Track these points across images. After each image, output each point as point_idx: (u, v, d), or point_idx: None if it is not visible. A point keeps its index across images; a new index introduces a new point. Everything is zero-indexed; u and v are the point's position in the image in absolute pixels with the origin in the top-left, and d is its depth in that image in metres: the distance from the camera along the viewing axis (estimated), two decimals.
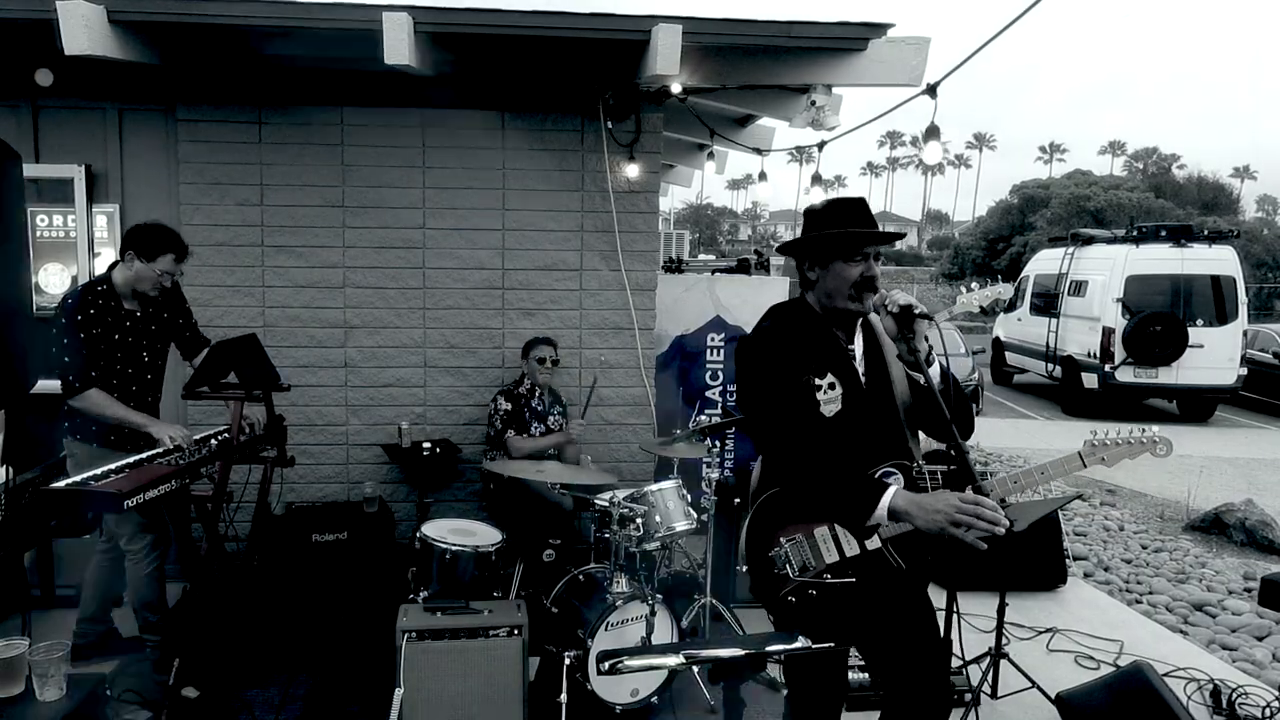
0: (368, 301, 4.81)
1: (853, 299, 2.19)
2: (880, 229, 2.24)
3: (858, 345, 2.29)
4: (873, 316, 2.31)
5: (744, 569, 2.31)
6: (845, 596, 2.18)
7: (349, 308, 4.80)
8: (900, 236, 2.34)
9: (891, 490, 2.05)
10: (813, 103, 4.52)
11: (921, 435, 2.34)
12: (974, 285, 2.52)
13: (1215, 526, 6.98)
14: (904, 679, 2.30)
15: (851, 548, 2.19)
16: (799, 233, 2.36)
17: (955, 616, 3.33)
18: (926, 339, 2.19)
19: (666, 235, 12.95)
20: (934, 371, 2.20)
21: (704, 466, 3.91)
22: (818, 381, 2.17)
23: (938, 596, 2.34)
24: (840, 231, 2.20)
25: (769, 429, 2.20)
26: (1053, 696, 3.45)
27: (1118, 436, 2.32)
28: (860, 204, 2.25)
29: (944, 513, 1.95)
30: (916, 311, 2.15)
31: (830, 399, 2.17)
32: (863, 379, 2.24)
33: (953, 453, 2.10)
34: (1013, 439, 10.41)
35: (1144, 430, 2.31)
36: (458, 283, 4.86)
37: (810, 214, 2.31)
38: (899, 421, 2.24)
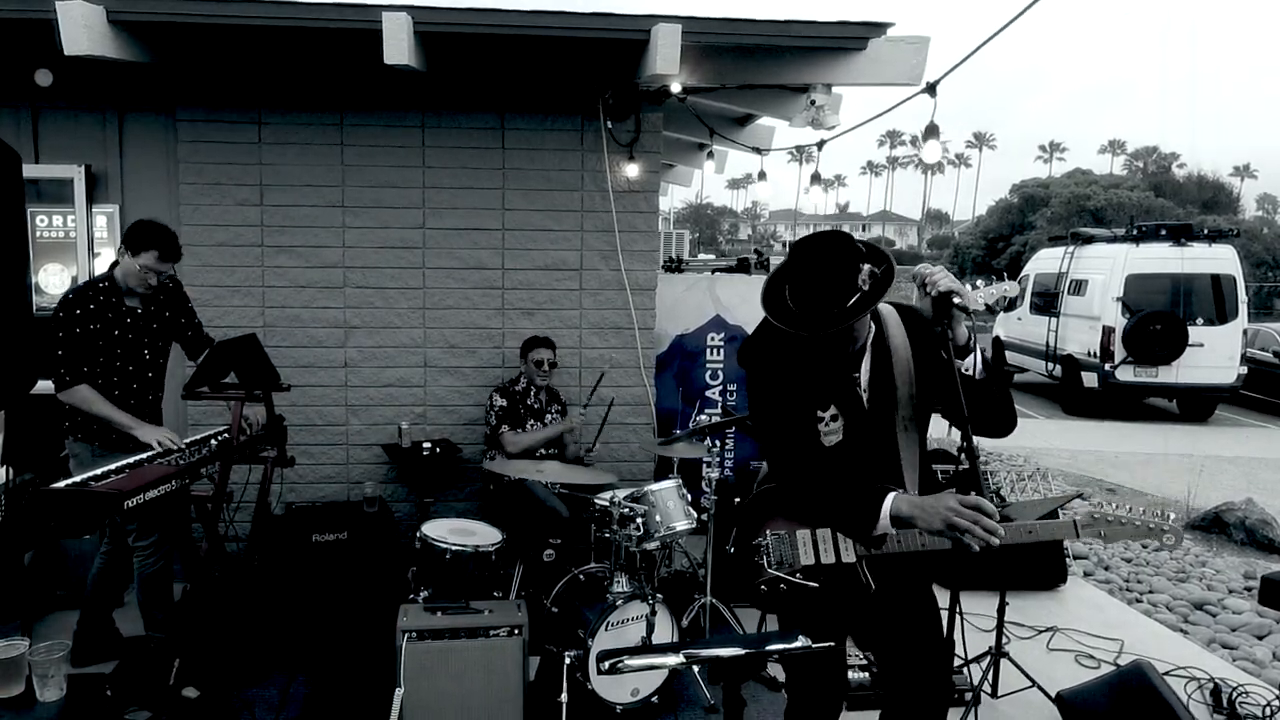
0: (368, 301, 4.81)
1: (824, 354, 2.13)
2: (844, 302, 1.97)
3: (865, 367, 2.20)
4: (885, 309, 2.23)
5: (731, 550, 2.38)
6: (809, 598, 2.22)
7: (349, 308, 4.80)
8: (848, 316, 1.97)
9: (891, 497, 2.04)
10: (812, 102, 4.52)
11: (931, 429, 2.34)
12: (980, 283, 2.51)
13: (1215, 525, 6.97)
14: (898, 676, 2.31)
15: (827, 555, 2.21)
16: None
17: (959, 617, 3.32)
18: (966, 324, 2.11)
19: (666, 235, 12.96)
20: (972, 360, 2.13)
21: (704, 466, 3.91)
22: (820, 414, 2.17)
23: (941, 596, 2.34)
24: (779, 328, 2.06)
25: (772, 444, 2.24)
26: (1053, 695, 3.45)
27: (1125, 515, 2.16)
28: (814, 273, 1.98)
29: (942, 514, 1.95)
30: (956, 302, 2.05)
31: (831, 430, 2.17)
32: (866, 404, 2.19)
33: (963, 455, 2.11)
34: (1013, 438, 10.33)
35: (1157, 514, 2.15)
36: (458, 282, 4.86)
37: (788, 250, 2.14)
38: (895, 446, 2.21)
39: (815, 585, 2.20)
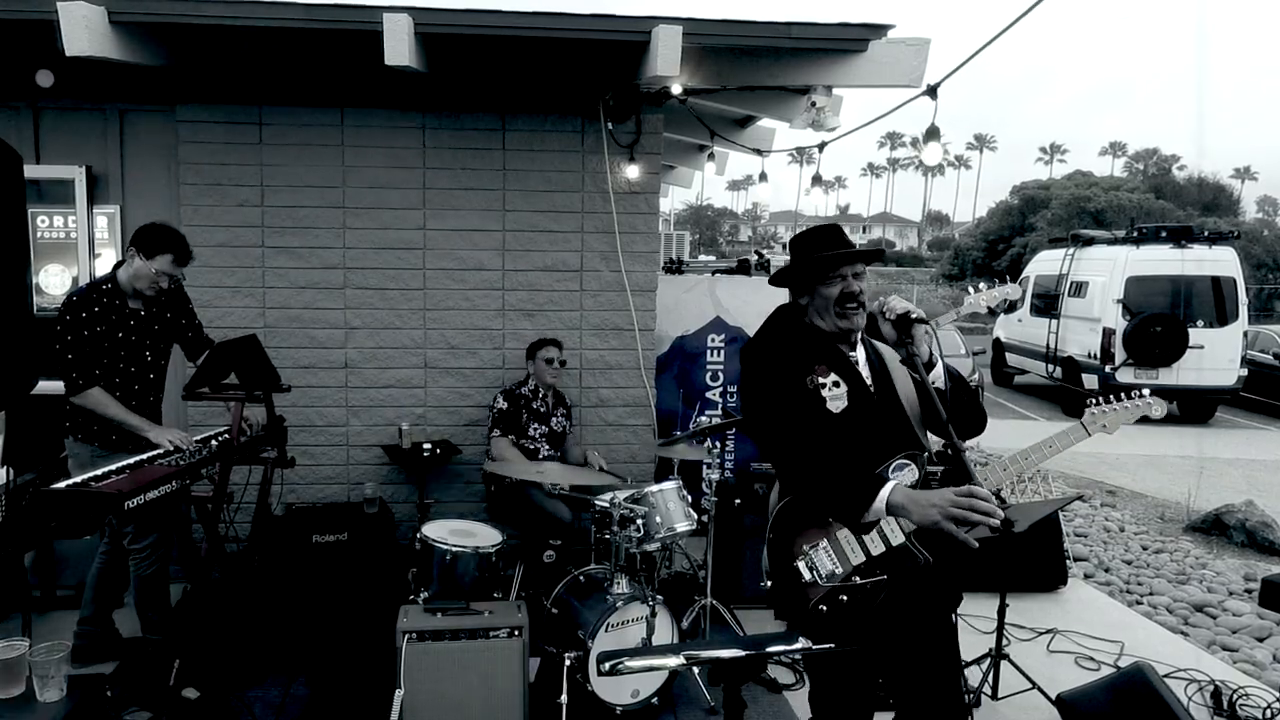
0: (368, 302, 4.81)
1: (840, 316, 2.22)
2: (856, 248, 2.28)
3: (860, 354, 2.31)
4: (873, 341, 2.35)
5: (767, 585, 2.27)
6: (876, 597, 2.17)
7: (349, 308, 4.80)
8: (875, 254, 2.39)
9: (890, 485, 2.06)
10: (813, 104, 4.52)
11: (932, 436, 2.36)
12: (982, 286, 2.54)
13: (1216, 527, 6.97)
14: (918, 694, 2.28)
15: (876, 546, 2.17)
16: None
17: (956, 618, 3.32)
18: (927, 341, 2.21)
19: (666, 236, 12.96)
20: (938, 372, 2.23)
21: (704, 467, 3.91)
22: (822, 380, 2.20)
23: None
24: (811, 257, 2.25)
25: (774, 431, 2.21)
26: (1053, 697, 3.44)
27: (1115, 405, 2.40)
28: (831, 230, 2.33)
29: (938, 506, 1.97)
30: (913, 316, 2.19)
31: (836, 395, 2.19)
32: (868, 382, 2.26)
33: (950, 451, 2.11)
34: (1013, 440, 10.38)
35: (1138, 393, 2.39)
36: (458, 283, 4.86)
37: (791, 245, 2.38)
38: (906, 416, 2.25)
39: (883, 578, 2.15)
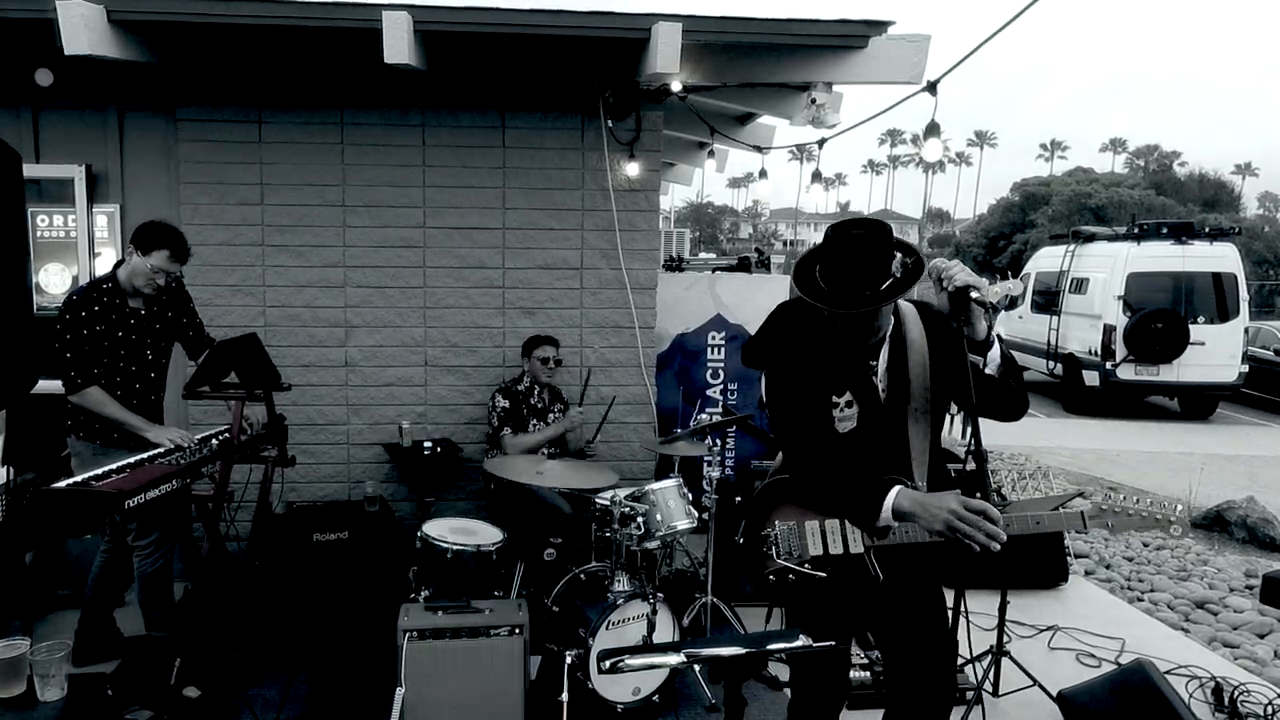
0: (368, 301, 4.81)
1: (843, 341, 2.16)
2: (874, 292, 1.99)
3: (882, 357, 2.21)
4: (904, 305, 2.24)
5: (740, 540, 2.38)
6: (818, 588, 2.21)
7: (349, 307, 4.80)
8: (882, 299, 1.99)
9: (895, 491, 2.05)
10: (813, 100, 4.51)
11: (943, 429, 2.35)
12: (984, 281, 2.51)
13: (1217, 524, 6.97)
14: (903, 675, 2.32)
15: (835, 546, 2.21)
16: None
17: (964, 616, 3.33)
18: (986, 319, 2.11)
19: (667, 233, 12.95)
20: (994, 354, 2.14)
21: (705, 465, 3.91)
22: (835, 399, 2.19)
23: (946, 596, 2.35)
24: (811, 303, 2.08)
25: (786, 430, 2.24)
26: (1054, 694, 3.45)
27: (1132, 506, 2.18)
28: (851, 254, 1.99)
29: (944, 519, 1.96)
30: (974, 296, 2.02)
31: (846, 417, 2.19)
32: (882, 395, 2.20)
33: (970, 458, 2.11)
34: (1014, 437, 10.40)
35: (1163, 506, 2.19)
36: (458, 282, 4.86)
37: (796, 269, 2.16)
38: (906, 439, 2.23)
39: (823, 575, 2.20)
